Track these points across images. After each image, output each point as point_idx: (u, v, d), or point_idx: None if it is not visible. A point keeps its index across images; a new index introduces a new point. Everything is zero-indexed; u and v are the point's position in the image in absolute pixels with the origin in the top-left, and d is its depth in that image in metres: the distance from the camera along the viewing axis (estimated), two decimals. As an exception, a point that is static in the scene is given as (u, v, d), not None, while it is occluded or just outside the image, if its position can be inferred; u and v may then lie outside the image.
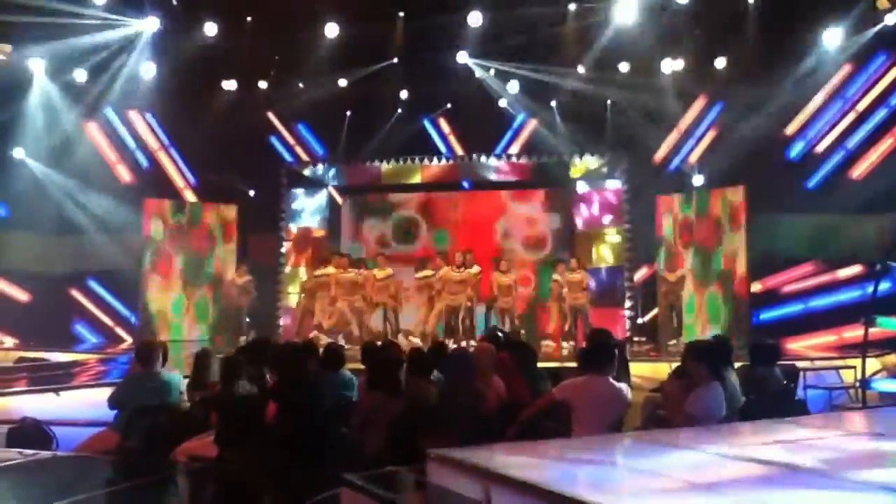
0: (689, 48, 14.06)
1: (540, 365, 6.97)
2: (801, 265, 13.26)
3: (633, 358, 9.73)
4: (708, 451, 3.57)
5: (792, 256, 13.31)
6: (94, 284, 15.39)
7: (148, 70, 14.55)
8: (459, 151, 16.01)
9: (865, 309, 8.44)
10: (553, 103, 15.42)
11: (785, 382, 6.90)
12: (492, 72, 15.25)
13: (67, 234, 15.04)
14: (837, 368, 9.68)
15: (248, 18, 14.61)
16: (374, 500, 3.21)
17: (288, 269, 15.55)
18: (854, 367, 8.97)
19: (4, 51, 13.59)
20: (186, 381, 6.64)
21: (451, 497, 3.13)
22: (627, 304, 14.46)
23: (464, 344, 11.84)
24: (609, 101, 15.05)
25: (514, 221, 15.94)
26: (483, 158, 15.31)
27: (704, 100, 14.72)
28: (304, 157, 16.49)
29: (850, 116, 13.34)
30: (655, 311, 14.51)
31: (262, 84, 15.60)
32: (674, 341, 12.95)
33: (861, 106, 13.28)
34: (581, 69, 14.68)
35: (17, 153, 14.70)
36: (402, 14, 14.72)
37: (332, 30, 14.17)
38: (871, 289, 8.48)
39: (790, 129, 13.66)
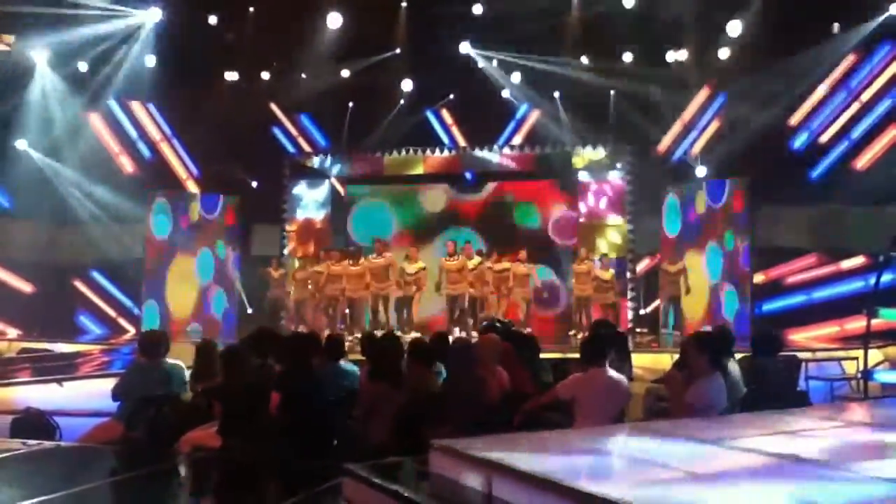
0: (693, 38, 14.01)
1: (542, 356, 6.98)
2: (804, 256, 13.24)
3: (634, 349, 9.73)
4: (709, 442, 3.57)
5: (795, 247, 13.29)
6: (97, 275, 15.42)
7: (150, 61, 14.54)
8: (462, 142, 15.99)
9: (868, 300, 8.45)
10: (556, 94, 15.38)
11: (787, 373, 6.90)
12: (494, 62, 15.21)
13: (70, 225, 15.06)
14: (839, 359, 9.70)
15: (251, 9, 14.60)
16: (376, 491, 3.22)
17: (296, 262, 15.54)
18: (856, 359, 8.98)
19: (7, 41, 13.59)
20: (190, 371, 6.66)
21: (453, 487, 3.14)
22: (630, 295, 14.46)
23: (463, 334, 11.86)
24: (612, 92, 15.00)
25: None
26: (486, 150, 15.29)
27: (708, 90, 14.68)
28: (307, 147, 16.49)
29: (854, 107, 13.29)
30: (657, 302, 14.51)
31: (265, 75, 15.59)
32: (666, 330, 12.99)
33: (865, 96, 13.23)
34: (584, 59, 14.64)
35: (20, 144, 14.71)
36: (404, 4, 14.68)
37: (334, 20, 14.14)
38: (873, 280, 8.48)
39: (794, 119, 13.62)
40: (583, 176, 15.64)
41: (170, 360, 6.45)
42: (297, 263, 14.95)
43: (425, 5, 13.98)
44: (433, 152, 15.50)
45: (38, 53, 14.05)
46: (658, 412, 5.89)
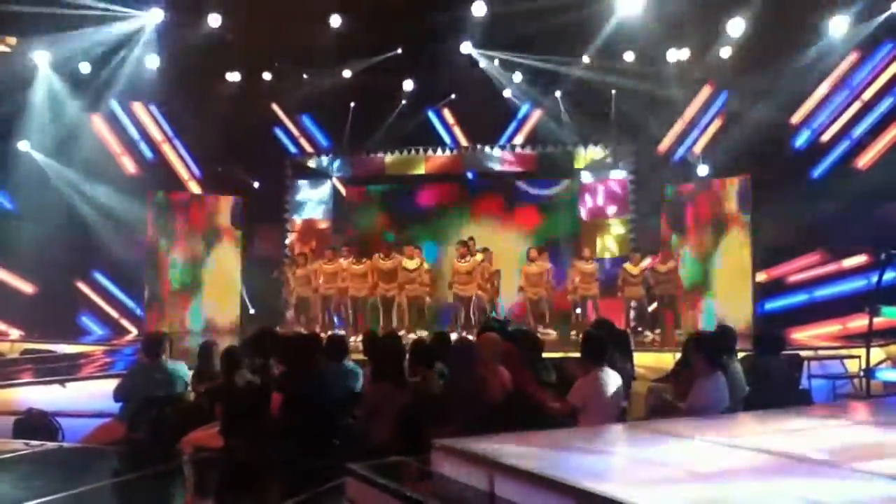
0: (694, 36, 13.99)
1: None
2: (806, 255, 13.23)
3: (637, 348, 9.72)
4: (711, 441, 3.57)
5: (797, 246, 13.27)
6: (99, 276, 15.43)
7: (152, 62, 14.54)
8: (464, 142, 15.99)
9: (870, 298, 8.43)
10: (557, 93, 15.38)
11: (789, 372, 6.90)
12: (496, 62, 15.19)
13: (72, 226, 15.04)
14: (842, 358, 9.66)
15: (253, 10, 14.57)
16: (379, 490, 3.22)
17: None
18: (858, 357, 8.96)
19: (9, 43, 13.60)
20: (192, 372, 6.67)
21: (456, 486, 3.14)
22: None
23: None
24: (614, 91, 14.98)
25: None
26: (487, 149, 15.28)
27: (709, 89, 14.67)
28: (309, 148, 16.50)
29: (856, 106, 13.26)
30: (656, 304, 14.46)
31: (267, 75, 15.57)
32: (659, 330, 12.94)
33: (867, 95, 13.20)
34: (585, 58, 14.62)
35: (23, 145, 14.72)
36: (406, 4, 14.64)
37: (336, 20, 14.14)
38: (875, 278, 8.47)
39: (796, 118, 13.58)
40: (584, 175, 15.62)
41: (171, 361, 6.46)
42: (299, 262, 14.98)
43: (427, 5, 13.94)
44: (435, 152, 15.48)
45: (41, 55, 14.05)
46: (661, 410, 5.89)
